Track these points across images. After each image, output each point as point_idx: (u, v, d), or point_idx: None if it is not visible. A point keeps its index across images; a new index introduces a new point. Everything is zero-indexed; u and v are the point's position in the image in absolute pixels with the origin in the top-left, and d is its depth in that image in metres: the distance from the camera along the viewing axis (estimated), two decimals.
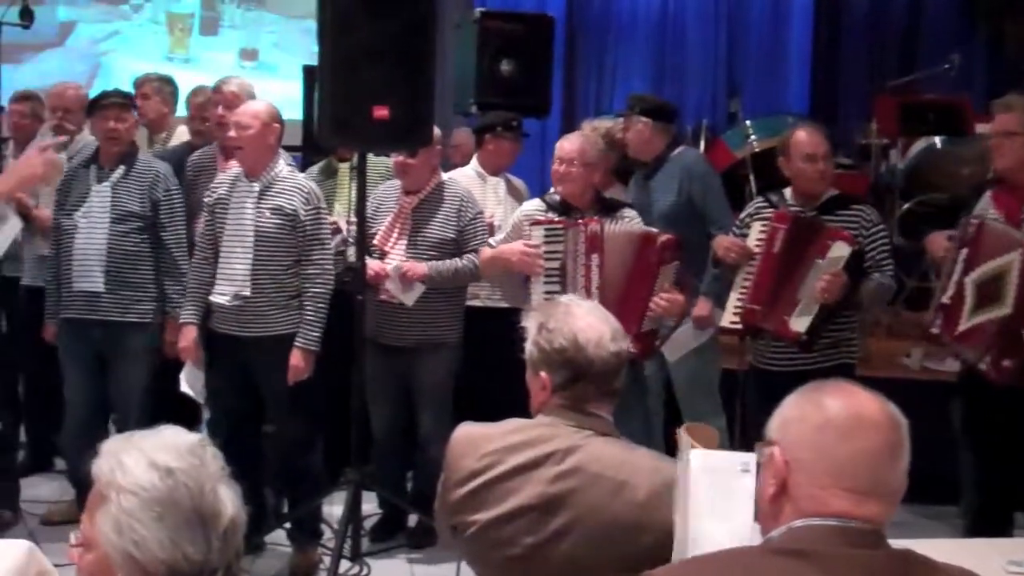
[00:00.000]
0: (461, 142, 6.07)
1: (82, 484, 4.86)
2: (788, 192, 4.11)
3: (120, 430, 4.67)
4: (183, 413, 5.31)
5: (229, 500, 1.60)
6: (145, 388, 4.64)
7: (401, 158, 4.45)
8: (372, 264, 4.39)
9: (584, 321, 2.29)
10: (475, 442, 2.32)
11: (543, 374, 2.30)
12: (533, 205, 4.31)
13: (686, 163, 4.76)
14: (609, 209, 4.16)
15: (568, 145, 4.14)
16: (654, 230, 4.04)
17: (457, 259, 4.47)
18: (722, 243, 4.17)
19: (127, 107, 4.61)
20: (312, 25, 7.81)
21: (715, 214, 4.67)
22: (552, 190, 4.35)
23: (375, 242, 4.49)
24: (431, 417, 4.54)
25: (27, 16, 4.43)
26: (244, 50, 7.95)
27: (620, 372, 2.30)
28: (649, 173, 4.76)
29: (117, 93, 4.75)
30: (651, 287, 3.91)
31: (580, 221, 3.98)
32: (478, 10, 5.68)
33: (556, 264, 3.97)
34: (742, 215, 4.27)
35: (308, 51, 7.68)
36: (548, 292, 3.90)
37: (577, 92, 7.80)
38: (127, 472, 1.54)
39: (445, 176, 4.67)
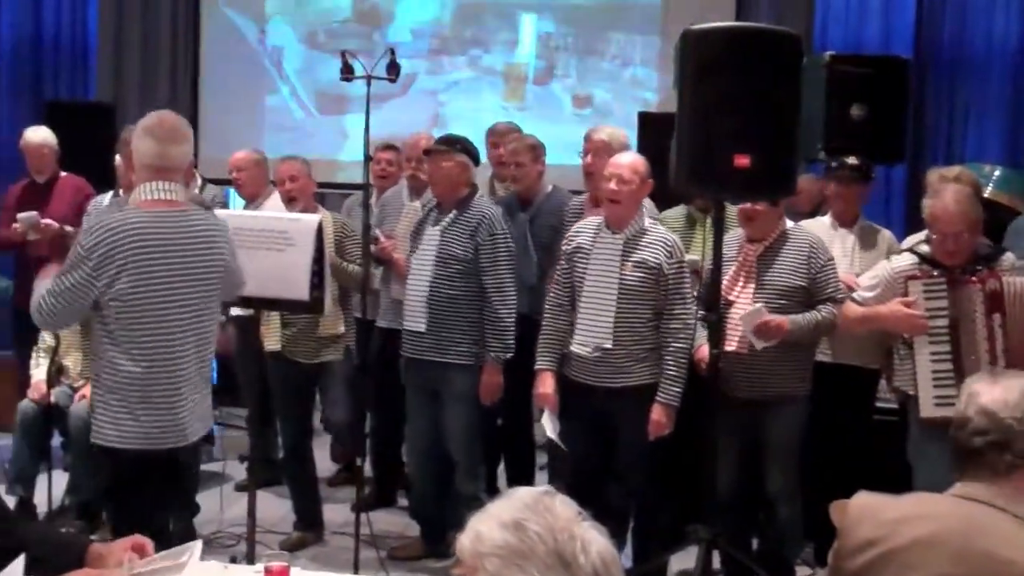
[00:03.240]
0: (804, 188, 5.85)
1: (425, 520, 5.01)
2: None
3: (453, 468, 4.78)
4: (520, 456, 5.45)
5: (592, 540, 1.61)
6: (472, 428, 4.74)
7: (748, 206, 4.33)
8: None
9: (1002, 386, 2.14)
10: (874, 509, 2.17)
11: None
12: (905, 260, 4.05)
13: None
14: (987, 259, 3.86)
15: (950, 215, 3.81)
16: None
17: (815, 312, 4.26)
18: None
19: (446, 153, 4.71)
20: (642, 72, 7.89)
21: None
22: (921, 240, 4.08)
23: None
24: (779, 474, 4.36)
25: (394, 70, 4.62)
26: (576, 97, 8.06)
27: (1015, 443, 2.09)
28: None
29: (443, 139, 4.91)
30: None
31: (974, 279, 3.68)
32: (828, 53, 5.45)
33: (943, 322, 3.70)
34: None
35: (640, 97, 7.73)
36: (935, 353, 3.66)
37: (925, 134, 7.31)
38: (483, 539, 1.61)
39: (790, 224, 4.51)
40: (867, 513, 2.18)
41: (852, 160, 4.89)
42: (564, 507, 1.65)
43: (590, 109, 7.93)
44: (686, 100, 3.90)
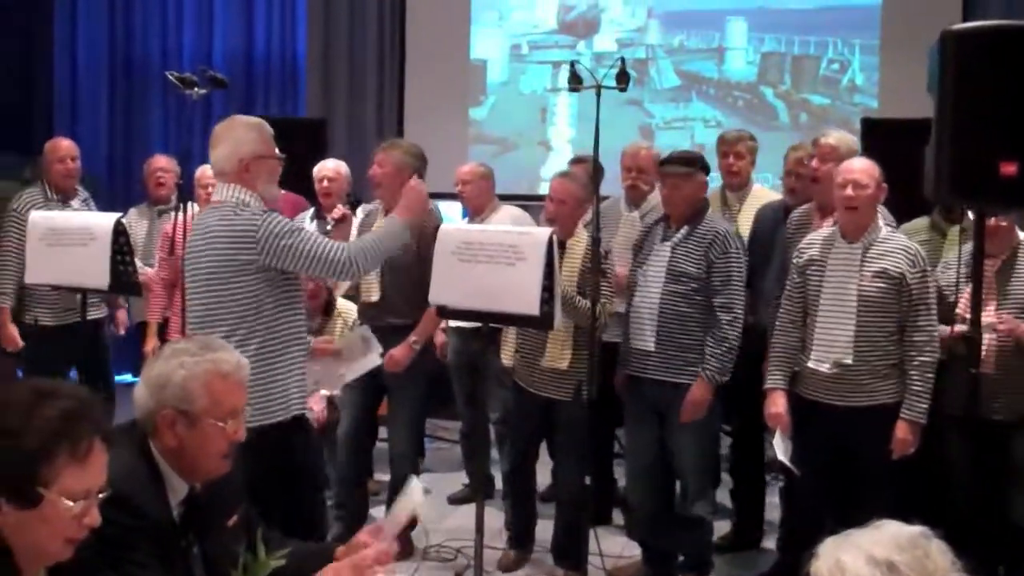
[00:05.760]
0: None
1: (646, 542, 4.87)
2: None
3: (682, 491, 4.63)
4: (749, 479, 5.26)
5: None
6: (703, 450, 4.59)
7: (991, 221, 4.07)
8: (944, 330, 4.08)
9: None
10: None
11: None
12: None
13: None
14: None
15: None
16: None
17: None
18: None
19: (689, 177, 4.49)
20: (861, 77, 7.59)
21: None
22: None
23: (957, 310, 4.18)
24: None
25: (623, 79, 4.51)
26: (791, 103, 7.80)
27: None
28: None
29: (680, 158, 4.61)
30: None
31: None
32: None
33: None
34: None
35: (860, 103, 7.46)
36: None
37: None
38: (846, 571, 1.52)
39: (1023, 235, 4.29)
40: None
41: None
42: (941, 555, 1.55)
43: (805, 115, 7.68)
44: (947, 105, 3.65)
